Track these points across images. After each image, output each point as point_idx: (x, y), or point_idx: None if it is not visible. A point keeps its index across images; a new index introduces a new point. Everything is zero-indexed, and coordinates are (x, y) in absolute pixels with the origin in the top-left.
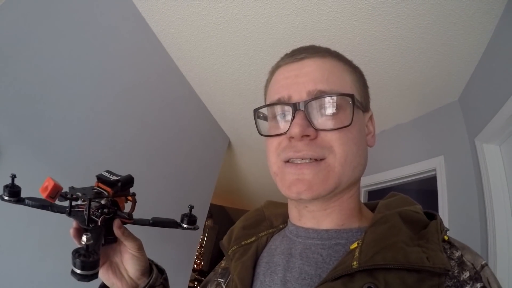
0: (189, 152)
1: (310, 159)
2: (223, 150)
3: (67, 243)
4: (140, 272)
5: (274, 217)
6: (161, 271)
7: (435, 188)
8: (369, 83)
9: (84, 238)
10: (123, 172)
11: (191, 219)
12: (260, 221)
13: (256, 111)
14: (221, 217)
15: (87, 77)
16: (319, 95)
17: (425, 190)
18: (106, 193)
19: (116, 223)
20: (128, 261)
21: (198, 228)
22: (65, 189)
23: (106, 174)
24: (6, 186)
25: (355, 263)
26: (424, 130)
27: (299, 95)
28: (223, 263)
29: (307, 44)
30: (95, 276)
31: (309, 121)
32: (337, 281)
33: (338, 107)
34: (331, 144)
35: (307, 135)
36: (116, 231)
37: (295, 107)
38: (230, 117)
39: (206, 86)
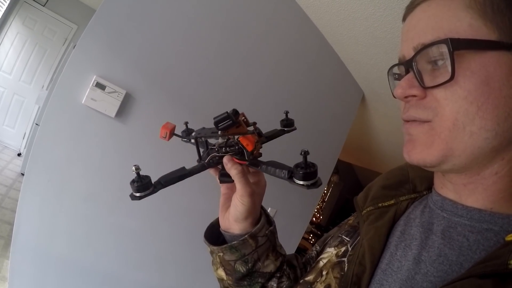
0: (320, 103)
1: (416, 120)
2: (356, 104)
3: None
4: (243, 218)
5: (419, 180)
6: (269, 223)
7: None
8: None
9: (302, 151)
10: (256, 120)
11: (288, 122)
12: (403, 182)
13: (388, 72)
14: (348, 175)
15: (217, 27)
16: (418, 50)
17: None
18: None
19: (225, 158)
20: (232, 205)
21: (296, 129)
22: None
23: (201, 130)
24: (133, 181)
25: None
26: None
27: (407, 53)
28: (351, 220)
29: None
30: (319, 182)
31: (418, 80)
32: (486, 281)
33: (441, 59)
34: (436, 105)
35: (413, 95)
36: (225, 165)
37: (404, 66)
38: (365, 68)
39: (338, 35)
